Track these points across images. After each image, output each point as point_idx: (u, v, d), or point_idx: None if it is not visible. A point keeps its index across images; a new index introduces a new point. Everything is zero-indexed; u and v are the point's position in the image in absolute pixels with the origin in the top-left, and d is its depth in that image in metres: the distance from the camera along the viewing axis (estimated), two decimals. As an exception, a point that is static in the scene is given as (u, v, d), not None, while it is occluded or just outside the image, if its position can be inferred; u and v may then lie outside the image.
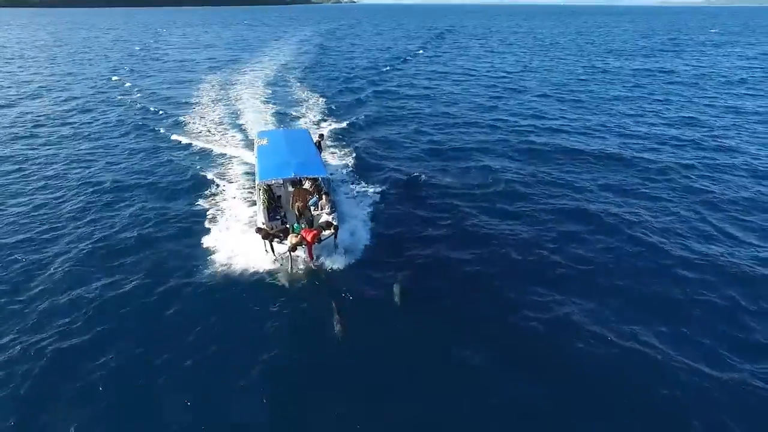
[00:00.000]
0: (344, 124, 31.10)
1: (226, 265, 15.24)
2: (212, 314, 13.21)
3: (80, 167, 23.96)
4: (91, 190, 21.17)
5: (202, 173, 22.65)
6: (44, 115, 34.16)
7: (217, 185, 21.34)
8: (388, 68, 56.52)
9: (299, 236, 14.64)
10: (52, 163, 24.46)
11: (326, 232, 15.28)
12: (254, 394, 10.71)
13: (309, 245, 14.68)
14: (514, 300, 13.89)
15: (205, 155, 25.72)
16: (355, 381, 11.10)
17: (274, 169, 17.04)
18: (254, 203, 18.92)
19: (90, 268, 15.35)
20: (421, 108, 36.34)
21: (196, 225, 17.89)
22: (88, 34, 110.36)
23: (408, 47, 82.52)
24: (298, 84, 45.05)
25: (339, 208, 17.31)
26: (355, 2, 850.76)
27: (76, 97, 39.43)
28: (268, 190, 17.93)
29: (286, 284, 14.44)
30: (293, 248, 14.41)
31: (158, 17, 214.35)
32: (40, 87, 44.49)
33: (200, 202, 19.76)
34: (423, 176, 22.47)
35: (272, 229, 15.28)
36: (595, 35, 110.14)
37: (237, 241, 16.43)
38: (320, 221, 16.35)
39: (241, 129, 30.15)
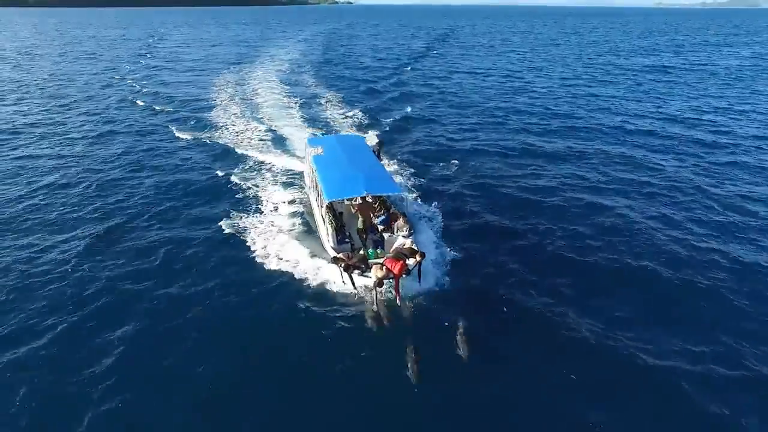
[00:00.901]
0: (386, 126, 28.91)
1: (295, 292, 13.45)
2: (283, 346, 11.65)
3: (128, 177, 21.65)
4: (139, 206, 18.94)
5: (241, 183, 20.58)
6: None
7: (260, 199, 19.20)
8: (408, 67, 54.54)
9: (383, 268, 12.46)
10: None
11: (410, 261, 13.10)
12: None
13: (396, 279, 12.50)
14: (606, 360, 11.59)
15: (237, 159, 23.68)
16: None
17: (342, 187, 14.84)
18: (302, 219, 16.94)
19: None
20: (459, 107, 34.16)
21: (242, 248, 15.79)
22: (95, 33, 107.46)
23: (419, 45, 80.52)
24: (320, 88, 42.78)
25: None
26: (351, 3, 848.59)
27: (114, 120, 33.76)
28: (330, 208, 15.76)
29: (363, 319, 12.48)
30: (380, 283, 12.24)
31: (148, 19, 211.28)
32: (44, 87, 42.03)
33: (247, 218, 17.62)
34: (485, 182, 20.38)
35: (348, 257, 13.06)
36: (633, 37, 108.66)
37: (305, 266, 14.44)
38: (396, 244, 14.20)
39: (272, 132, 28.07)
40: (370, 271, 12.63)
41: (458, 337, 11.77)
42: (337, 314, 12.61)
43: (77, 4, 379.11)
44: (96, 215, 18.26)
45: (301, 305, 12.92)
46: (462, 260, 15.07)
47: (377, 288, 12.38)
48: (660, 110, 34.24)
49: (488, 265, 15.08)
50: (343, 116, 32.20)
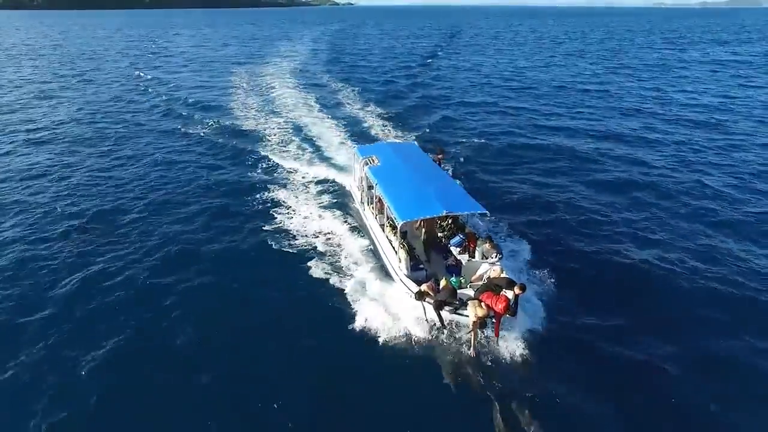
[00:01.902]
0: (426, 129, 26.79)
1: (363, 330, 11.51)
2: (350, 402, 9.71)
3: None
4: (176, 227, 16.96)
5: (282, 198, 18.62)
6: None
7: (313, 214, 17.36)
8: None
9: (483, 305, 10.45)
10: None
11: (509, 294, 11.07)
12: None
13: (498, 317, 10.50)
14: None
15: (281, 173, 21.64)
16: None
17: (416, 206, 12.81)
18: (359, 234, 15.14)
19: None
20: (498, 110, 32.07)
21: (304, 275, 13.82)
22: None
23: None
24: (344, 90, 40.71)
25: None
26: (353, 4, 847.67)
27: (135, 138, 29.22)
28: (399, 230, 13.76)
29: (456, 367, 10.46)
30: (483, 324, 10.23)
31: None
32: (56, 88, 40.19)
33: (303, 239, 15.69)
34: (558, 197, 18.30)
35: (433, 289, 11.06)
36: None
37: (373, 296, 12.55)
38: (481, 272, 12.21)
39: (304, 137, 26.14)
40: (464, 308, 10.62)
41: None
42: (422, 362, 10.62)
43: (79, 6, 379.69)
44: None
45: (376, 351, 10.92)
46: (557, 291, 13.05)
47: (476, 329, 10.36)
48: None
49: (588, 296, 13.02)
50: (377, 118, 30.17)
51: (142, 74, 49.48)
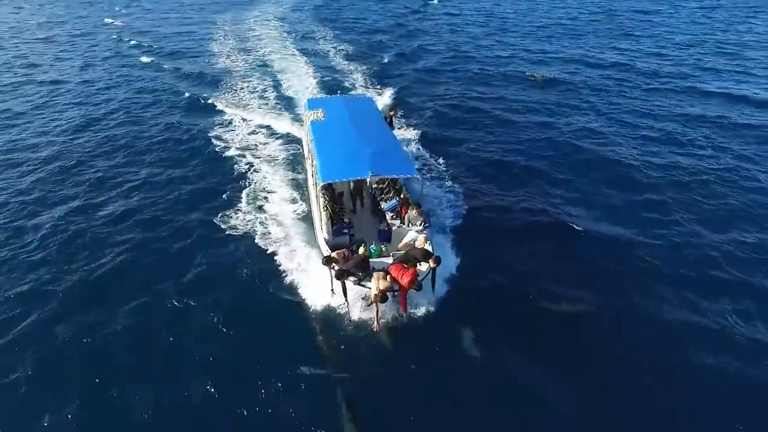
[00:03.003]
0: (398, 82, 25.24)
1: (274, 298, 11.05)
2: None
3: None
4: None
5: (227, 151, 17.87)
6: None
7: (253, 167, 16.54)
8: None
9: (388, 277, 9.75)
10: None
11: (422, 267, 10.34)
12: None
13: (404, 292, 9.81)
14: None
15: (225, 121, 20.73)
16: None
17: (343, 166, 11.92)
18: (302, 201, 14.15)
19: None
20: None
21: (221, 231, 13.31)
22: None
23: None
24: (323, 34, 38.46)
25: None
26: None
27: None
28: (329, 189, 12.98)
29: (356, 342, 10.00)
30: (383, 298, 9.56)
31: None
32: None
33: (229, 196, 14.99)
34: (514, 162, 17.15)
35: (345, 257, 10.35)
36: None
37: (288, 261, 12.02)
38: (407, 239, 11.42)
39: (274, 86, 24.81)
40: (370, 280, 9.93)
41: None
42: (322, 334, 10.11)
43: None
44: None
45: (280, 318, 10.47)
46: (485, 260, 12.36)
47: (377, 303, 9.71)
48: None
49: (517, 266, 12.32)
50: (350, 67, 28.37)
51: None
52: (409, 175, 12.06)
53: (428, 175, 16.28)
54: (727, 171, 16.61)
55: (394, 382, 9.21)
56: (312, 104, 15.92)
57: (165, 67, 28.87)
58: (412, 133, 19.33)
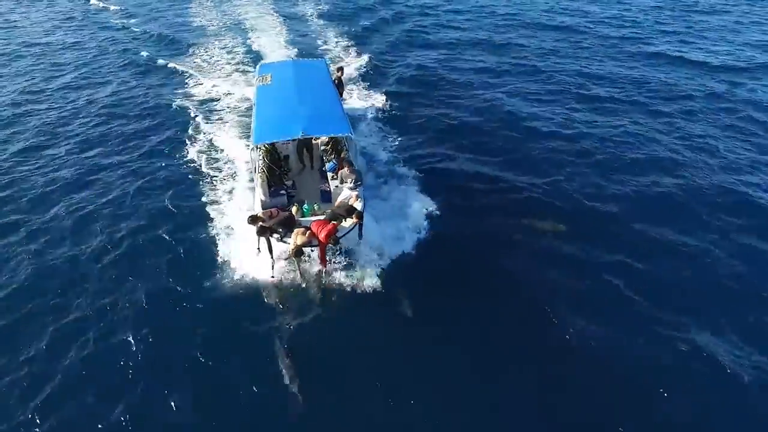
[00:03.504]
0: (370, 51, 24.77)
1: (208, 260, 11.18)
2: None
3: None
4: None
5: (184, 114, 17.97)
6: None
7: (206, 128, 16.89)
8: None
9: (308, 232, 9.99)
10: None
11: (346, 224, 10.55)
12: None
13: (322, 246, 10.05)
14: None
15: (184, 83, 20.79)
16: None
17: (276, 126, 12.07)
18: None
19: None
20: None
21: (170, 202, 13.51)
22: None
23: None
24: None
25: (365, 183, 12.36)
26: None
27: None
28: (271, 151, 13.13)
29: (281, 298, 10.27)
30: (298, 252, 9.81)
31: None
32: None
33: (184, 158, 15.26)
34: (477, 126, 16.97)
35: (271, 216, 10.59)
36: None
37: (221, 221, 12.34)
38: (341, 197, 11.62)
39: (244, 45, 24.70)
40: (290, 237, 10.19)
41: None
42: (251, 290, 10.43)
43: None
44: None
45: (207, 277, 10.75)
46: (432, 216, 12.47)
47: (296, 258, 9.98)
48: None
49: (463, 222, 12.47)
50: (326, 30, 27.72)
51: None
52: (342, 134, 12.15)
53: (391, 139, 16.27)
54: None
55: (321, 331, 9.52)
56: (263, 69, 15.97)
57: (128, 24, 28.92)
58: (377, 96, 19.20)
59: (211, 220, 12.44)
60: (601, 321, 9.61)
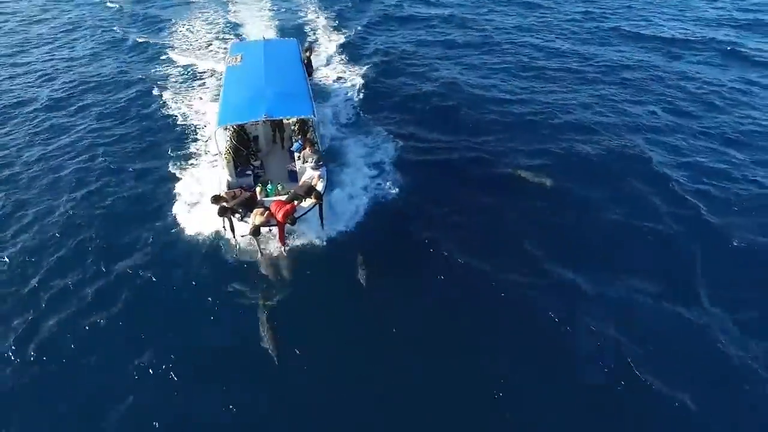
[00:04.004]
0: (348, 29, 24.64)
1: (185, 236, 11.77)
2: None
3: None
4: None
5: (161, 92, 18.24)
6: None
7: (179, 107, 17.19)
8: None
9: (266, 213, 10.46)
10: None
11: (305, 204, 10.99)
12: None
13: (280, 226, 10.54)
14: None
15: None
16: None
17: (240, 108, 12.37)
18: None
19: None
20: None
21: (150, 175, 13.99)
22: None
23: None
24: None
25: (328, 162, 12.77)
26: None
27: None
28: (239, 132, 13.47)
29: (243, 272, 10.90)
30: (256, 231, 10.30)
31: None
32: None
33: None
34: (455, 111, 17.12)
35: (234, 196, 11.04)
36: None
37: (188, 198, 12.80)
38: (305, 177, 12.03)
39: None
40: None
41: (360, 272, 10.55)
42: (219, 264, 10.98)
43: None
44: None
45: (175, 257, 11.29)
46: (393, 195, 12.91)
47: (254, 237, 10.48)
48: None
49: (426, 202, 12.88)
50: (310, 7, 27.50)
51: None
52: (304, 116, 12.47)
53: (361, 110, 16.59)
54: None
55: (287, 301, 10.18)
56: (234, 49, 16.12)
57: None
58: (353, 75, 19.33)
59: (179, 194, 12.96)
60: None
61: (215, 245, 11.31)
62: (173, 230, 11.85)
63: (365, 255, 10.98)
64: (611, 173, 13.66)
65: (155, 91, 18.25)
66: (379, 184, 13.20)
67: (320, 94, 17.17)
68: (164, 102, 17.52)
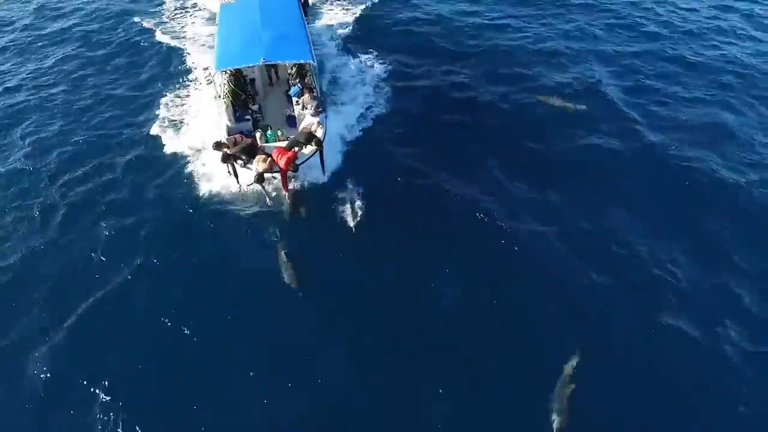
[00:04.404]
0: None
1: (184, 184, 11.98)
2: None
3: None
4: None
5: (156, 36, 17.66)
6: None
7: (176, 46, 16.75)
8: None
9: (268, 160, 10.70)
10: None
11: (306, 150, 11.22)
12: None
13: (283, 173, 10.82)
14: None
15: None
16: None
17: (238, 52, 12.20)
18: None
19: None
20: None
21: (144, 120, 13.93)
22: None
23: None
24: None
25: (326, 104, 12.86)
26: None
27: None
28: (237, 76, 13.35)
29: (248, 213, 11.27)
30: (260, 178, 10.60)
31: None
32: None
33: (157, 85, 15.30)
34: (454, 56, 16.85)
35: (236, 142, 11.21)
36: None
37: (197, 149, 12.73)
38: (304, 123, 12.13)
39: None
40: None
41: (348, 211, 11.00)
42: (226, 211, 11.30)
43: None
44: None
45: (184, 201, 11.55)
46: (388, 137, 13.19)
47: (259, 184, 10.78)
48: None
49: (416, 145, 13.08)
50: None
51: None
52: (302, 61, 12.37)
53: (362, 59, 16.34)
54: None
55: (295, 243, 10.63)
56: (229, -13, 15.50)
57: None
58: (349, 17, 18.79)
59: (179, 140, 13.08)
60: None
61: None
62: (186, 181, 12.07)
63: (362, 189, 11.51)
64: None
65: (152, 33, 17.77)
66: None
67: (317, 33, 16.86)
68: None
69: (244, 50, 12.08)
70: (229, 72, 13.05)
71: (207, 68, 14.47)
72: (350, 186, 11.57)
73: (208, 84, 14.08)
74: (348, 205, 11.17)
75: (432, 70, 15.79)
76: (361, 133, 13.08)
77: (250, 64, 12.22)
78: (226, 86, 12.82)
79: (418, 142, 12.95)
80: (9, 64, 16.37)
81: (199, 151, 12.52)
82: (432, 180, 11.96)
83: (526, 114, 14.07)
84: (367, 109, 13.94)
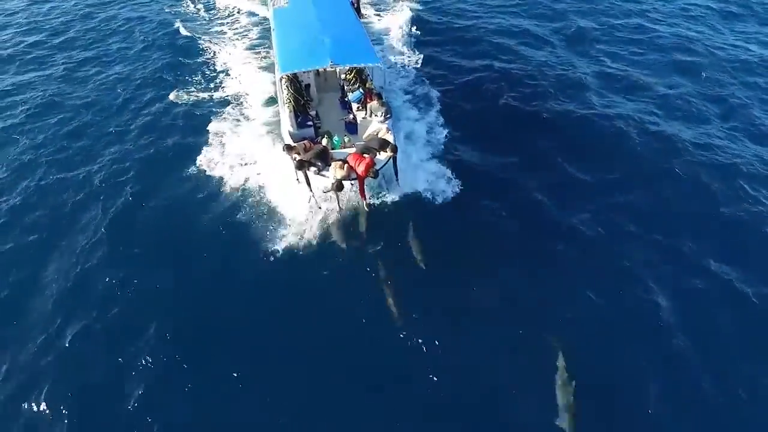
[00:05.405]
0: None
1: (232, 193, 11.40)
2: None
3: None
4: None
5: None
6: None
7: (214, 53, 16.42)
8: None
9: (346, 166, 10.13)
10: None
11: (381, 156, 10.68)
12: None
13: (361, 180, 10.25)
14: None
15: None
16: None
17: (302, 55, 11.71)
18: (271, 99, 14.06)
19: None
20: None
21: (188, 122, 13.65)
22: None
23: None
24: None
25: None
26: None
27: None
28: (294, 81, 12.86)
29: (326, 231, 10.52)
30: (339, 186, 10.00)
31: None
32: None
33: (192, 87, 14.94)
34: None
35: (306, 148, 10.64)
36: None
37: (251, 153, 12.32)
38: (370, 130, 11.59)
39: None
40: (328, 170, 10.33)
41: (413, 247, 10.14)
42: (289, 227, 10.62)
43: None
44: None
45: (243, 214, 10.93)
46: (461, 155, 12.59)
47: (336, 192, 10.18)
48: None
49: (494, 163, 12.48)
50: None
51: None
52: (371, 64, 11.90)
53: (404, 65, 15.91)
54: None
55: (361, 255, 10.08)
56: (279, -12, 15.10)
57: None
58: (400, 19, 18.42)
59: (240, 147, 12.62)
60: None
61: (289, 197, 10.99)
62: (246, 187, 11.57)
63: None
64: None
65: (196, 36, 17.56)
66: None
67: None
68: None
69: (308, 54, 11.59)
70: (287, 77, 12.56)
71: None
72: (426, 195, 11.04)
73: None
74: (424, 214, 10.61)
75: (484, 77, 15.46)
76: (431, 137, 12.55)
77: (319, 68, 11.75)
78: (285, 92, 12.31)
79: (492, 149, 12.44)
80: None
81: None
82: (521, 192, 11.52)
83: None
84: (427, 113, 13.51)
